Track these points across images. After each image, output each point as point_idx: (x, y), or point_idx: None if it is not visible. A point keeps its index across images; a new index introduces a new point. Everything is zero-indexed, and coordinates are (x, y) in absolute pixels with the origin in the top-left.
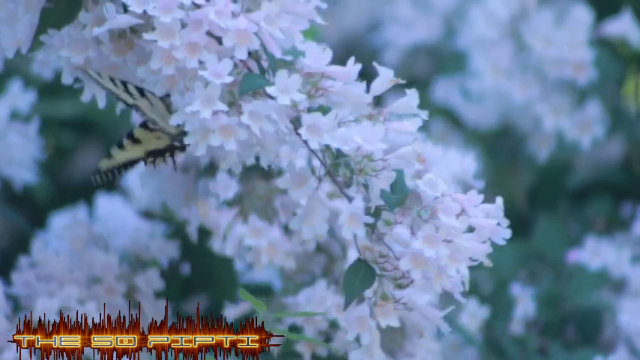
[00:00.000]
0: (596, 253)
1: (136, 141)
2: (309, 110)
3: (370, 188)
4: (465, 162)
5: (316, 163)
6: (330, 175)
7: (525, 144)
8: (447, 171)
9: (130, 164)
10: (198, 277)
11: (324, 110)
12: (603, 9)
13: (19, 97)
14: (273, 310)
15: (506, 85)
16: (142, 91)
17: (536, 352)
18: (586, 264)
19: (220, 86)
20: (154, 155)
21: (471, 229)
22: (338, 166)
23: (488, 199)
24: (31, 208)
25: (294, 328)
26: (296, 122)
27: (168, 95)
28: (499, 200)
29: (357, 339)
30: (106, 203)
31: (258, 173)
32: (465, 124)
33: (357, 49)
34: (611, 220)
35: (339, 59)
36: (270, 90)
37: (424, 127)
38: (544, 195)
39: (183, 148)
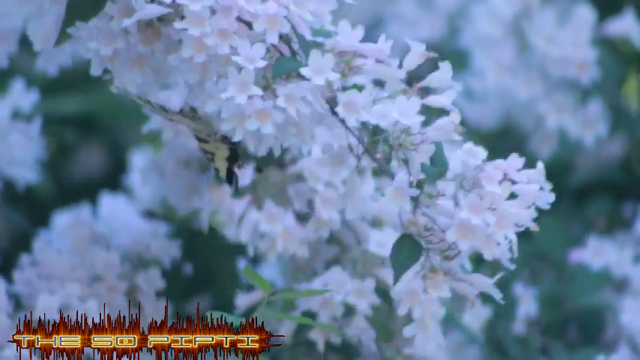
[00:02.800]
0: (597, 253)
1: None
2: (344, 89)
3: (410, 162)
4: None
5: (353, 141)
6: (369, 152)
7: (527, 143)
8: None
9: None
10: (200, 277)
11: (359, 88)
12: (605, 8)
13: (22, 96)
14: (284, 297)
15: (510, 83)
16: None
17: (539, 352)
18: (588, 264)
19: (254, 71)
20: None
21: (513, 196)
22: (376, 143)
23: None
24: (33, 207)
25: (309, 314)
26: (331, 102)
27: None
28: (540, 165)
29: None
30: (108, 203)
31: (272, 161)
32: (467, 123)
33: None
34: (613, 220)
35: None
36: (304, 71)
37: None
38: None
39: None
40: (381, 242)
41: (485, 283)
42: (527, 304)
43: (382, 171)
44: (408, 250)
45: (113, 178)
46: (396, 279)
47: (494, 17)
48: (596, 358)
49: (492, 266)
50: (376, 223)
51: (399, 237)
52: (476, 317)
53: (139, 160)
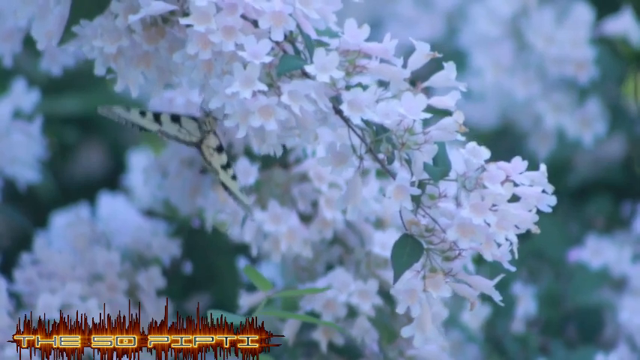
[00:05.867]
0: (596, 252)
1: (157, 120)
2: (347, 88)
3: (413, 162)
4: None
5: (356, 141)
6: (372, 152)
7: (525, 142)
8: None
9: (141, 128)
10: (201, 276)
11: (363, 87)
12: (603, 7)
13: (23, 96)
14: (286, 296)
15: (508, 83)
16: (176, 118)
17: (538, 351)
18: (587, 263)
19: (260, 66)
20: (168, 137)
21: (515, 199)
22: (379, 143)
23: None
24: (33, 207)
25: (312, 315)
26: (335, 102)
27: (207, 115)
28: (543, 167)
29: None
30: (108, 202)
31: (276, 161)
32: (465, 122)
33: None
34: (611, 219)
35: None
36: (309, 69)
37: None
38: None
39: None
40: (385, 243)
41: (486, 284)
42: (526, 302)
43: (386, 172)
44: (410, 249)
45: (113, 178)
46: (396, 278)
47: (493, 17)
48: (595, 357)
49: (493, 267)
50: (380, 224)
51: (401, 237)
52: (475, 316)
53: (137, 160)
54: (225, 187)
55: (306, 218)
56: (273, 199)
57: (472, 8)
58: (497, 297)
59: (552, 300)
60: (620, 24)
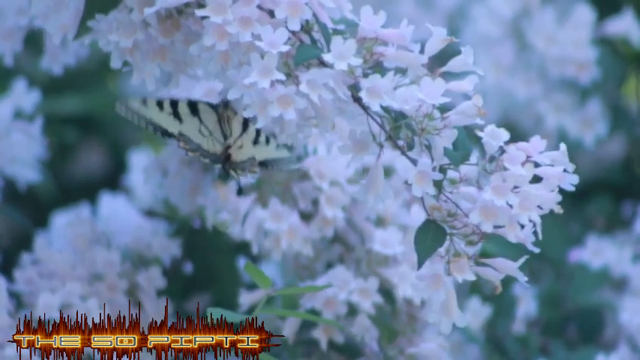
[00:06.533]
0: (597, 253)
1: (177, 116)
2: (365, 75)
3: (433, 147)
4: None
5: (375, 129)
6: (392, 139)
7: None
8: None
9: (158, 129)
10: (201, 276)
11: (381, 74)
12: (605, 8)
13: (24, 96)
14: (286, 293)
15: (509, 83)
16: (194, 107)
17: (538, 351)
18: (587, 263)
19: (277, 55)
20: (189, 147)
21: (536, 180)
22: (399, 129)
23: None
24: (33, 207)
25: (312, 313)
26: (353, 90)
27: (225, 104)
28: (563, 146)
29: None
30: (108, 202)
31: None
32: None
33: None
34: (612, 220)
35: None
36: (326, 57)
37: None
38: None
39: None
40: (386, 241)
41: (511, 266)
42: (527, 303)
43: (389, 170)
44: (433, 234)
45: (113, 178)
46: (420, 263)
47: (494, 17)
48: (595, 357)
49: None
50: (380, 223)
51: (423, 222)
52: (476, 316)
53: (137, 159)
54: (267, 164)
55: (306, 216)
56: (274, 197)
57: (473, 8)
58: (522, 278)
59: (553, 300)
60: (622, 24)
